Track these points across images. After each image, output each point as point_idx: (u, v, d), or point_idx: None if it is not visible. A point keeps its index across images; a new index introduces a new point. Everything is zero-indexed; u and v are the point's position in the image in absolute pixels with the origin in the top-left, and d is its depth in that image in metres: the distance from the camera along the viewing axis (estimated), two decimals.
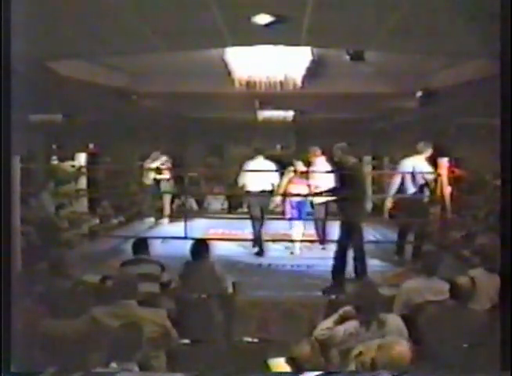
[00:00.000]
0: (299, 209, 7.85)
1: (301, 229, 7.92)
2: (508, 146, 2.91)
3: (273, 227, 8.37)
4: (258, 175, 7.85)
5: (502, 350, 2.78)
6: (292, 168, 8.01)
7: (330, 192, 6.66)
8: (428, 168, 7.17)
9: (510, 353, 2.73)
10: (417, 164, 7.11)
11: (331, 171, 7.15)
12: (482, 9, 3.55)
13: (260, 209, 7.87)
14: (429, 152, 7.22)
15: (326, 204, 7.77)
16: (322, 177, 7.41)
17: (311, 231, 8.26)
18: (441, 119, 10.19)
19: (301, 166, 8.04)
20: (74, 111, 9.54)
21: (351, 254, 5.84)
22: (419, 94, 7.92)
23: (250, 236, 8.11)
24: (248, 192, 8.01)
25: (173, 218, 10.43)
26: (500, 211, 3.01)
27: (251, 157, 8.21)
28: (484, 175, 9.62)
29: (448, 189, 7.37)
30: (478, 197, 9.17)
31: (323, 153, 7.83)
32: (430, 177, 7.10)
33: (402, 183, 7.18)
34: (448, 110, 9.06)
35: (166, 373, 3.54)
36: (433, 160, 7.43)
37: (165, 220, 10.56)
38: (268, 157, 8.30)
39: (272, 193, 7.90)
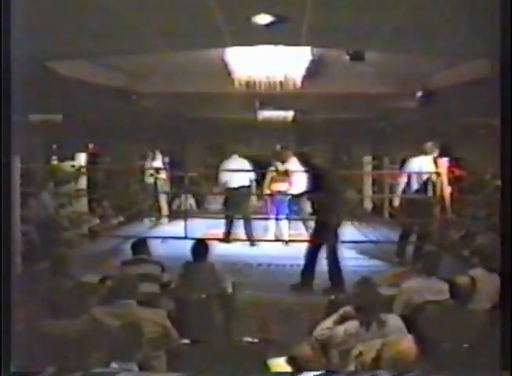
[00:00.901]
0: (279, 207, 8.41)
1: (286, 225, 8.50)
2: (508, 146, 2.90)
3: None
4: (236, 173, 8.52)
5: (503, 350, 2.77)
6: (273, 168, 8.65)
7: (305, 193, 6.96)
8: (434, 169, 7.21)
9: (510, 353, 2.73)
10: (424, 164, 7.13)
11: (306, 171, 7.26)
12: (482, 9, 3.55)
13: (240, 205, 8.50)
14: (436, 152, 7.25)
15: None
16: (298, 176, 7.80)
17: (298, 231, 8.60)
18: (441, 119, 10.19)
19: (281, 166, 8.58)
20: (74, 111, 9.53)
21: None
22: (419, 94, 7.93)
23: (250, 237, 8.26)
24: (229, 189, 8.55)
25: (173, 218, 10.44)
26: (500, 211, 3.00)
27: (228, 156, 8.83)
28: (484, 175, 9.62)
29: (448, 189, 7.38)
30: (478, 197, 9.17)
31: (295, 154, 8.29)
32: (436, 178, 7.14)
33: (408, 183, 7.21)
34: (448, 110, 9.06)
35: (166, 373, 3.54)
36: (433, 160, 7.42)
37: (165, 220, 10.57)
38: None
39: (249, 187, 8.58)
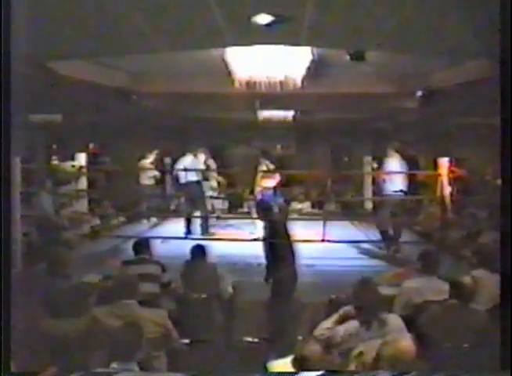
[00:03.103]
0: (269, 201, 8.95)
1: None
2: (508, 146, 2.90)
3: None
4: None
5: (502, 350, 2.77)
6: (264, 167, 9.59)
7: None
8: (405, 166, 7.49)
9: (510, 353, 2.73)
10: (401, 163, 7.30)
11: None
12: (482, 8, 3.55)
13: (192, 199, 9.24)
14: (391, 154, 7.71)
15: None
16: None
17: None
18: (441, 119, 10.19)
19: (269, 164, 9.64)
20: (74, 111, 9.54)
21: None
22: (419, 94, 7.94)
23: (251, 237, 8.27)
24: (181, 184, 9.35)
25: (173, 218, 10.47)
26: (500, 211, 3.00)
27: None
28: (484, 175, 9.63)
29: (448, 189, 7.40)
30: (478, 196, 9.17)
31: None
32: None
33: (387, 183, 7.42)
34: (448, 110, 9.06)
35: (166, 373, 3.54)
36: (433, 160, 7.45)
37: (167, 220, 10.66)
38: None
39: (198, 183, 9.27)
